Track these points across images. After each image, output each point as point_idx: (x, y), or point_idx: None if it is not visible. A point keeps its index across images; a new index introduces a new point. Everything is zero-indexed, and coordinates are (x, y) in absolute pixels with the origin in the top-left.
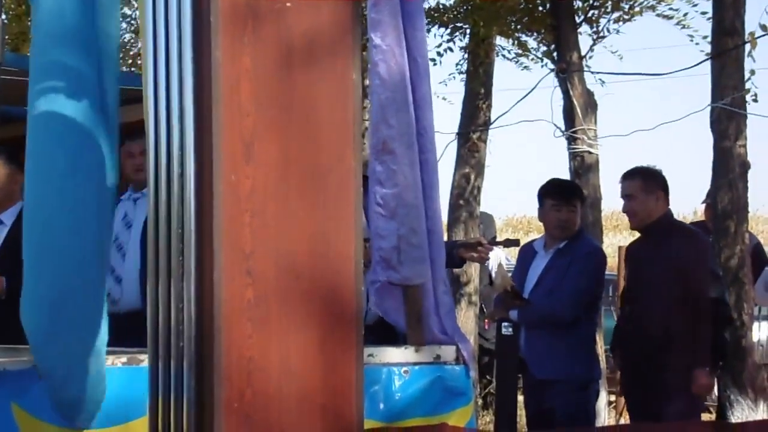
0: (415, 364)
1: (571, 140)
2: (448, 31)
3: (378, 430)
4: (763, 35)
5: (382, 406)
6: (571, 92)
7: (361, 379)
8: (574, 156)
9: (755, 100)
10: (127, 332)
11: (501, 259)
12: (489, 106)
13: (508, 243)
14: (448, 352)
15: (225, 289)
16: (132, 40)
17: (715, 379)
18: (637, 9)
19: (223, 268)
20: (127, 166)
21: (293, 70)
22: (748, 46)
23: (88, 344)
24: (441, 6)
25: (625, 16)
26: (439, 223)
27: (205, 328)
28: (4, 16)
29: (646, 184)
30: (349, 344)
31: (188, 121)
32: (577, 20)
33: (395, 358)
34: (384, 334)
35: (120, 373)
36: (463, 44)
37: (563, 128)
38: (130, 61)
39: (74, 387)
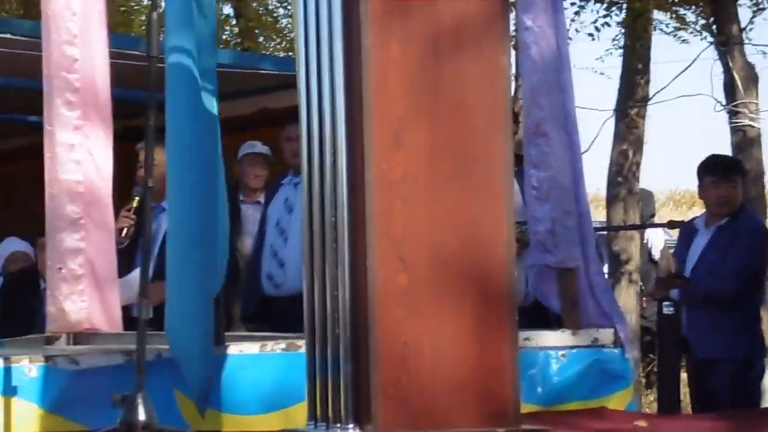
0: (573, 347)
1: (732, 114)
2: (605, 6)
3: (536, 414)
4: None
5: (539, 390)
6: (731, 65)
7: (516, 363)
8: (735, 130)
9: None
10: (291, 315)
11: (662, 236)
12: (647, 82)
13: (673, 224)
14: (605, 335)
15: (378, 276)
16: (289, 25)
17: None
18: None
19: (376, 255)
20: (286, 151)
21: (442, 56)
22: None
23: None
24: None
25: None
26: (587, 204)
27: (359, 315)
28: (163, 6)
29: None
30: (502, 328)
31: (339, 110)
32: None
33: (552, 341)
34: (538, 315)
35: (279, 359)
36: (619, 19)
37: (724, 102)
38: (288, 45)
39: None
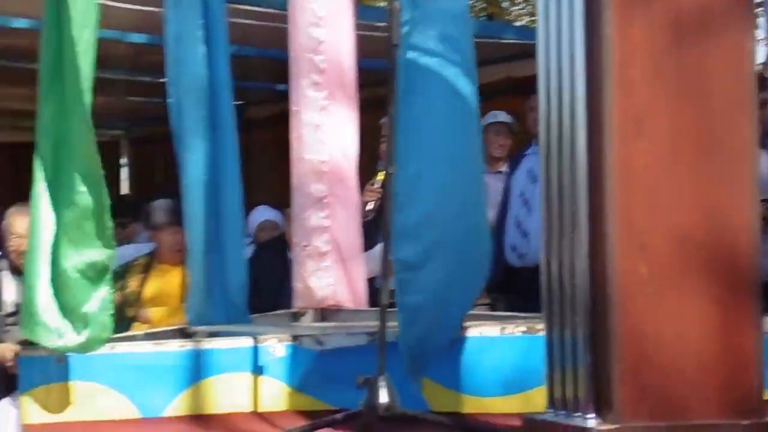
0: None
1: None
2: None
3: None
4: None
5: None
6: None
7: (761, 350)
8: None
9: None
10: (535, 285)
11: None
12: None
13: None
14: None
15: (619, 265)
16: None
17: None
18: None
19: (617, 244)
20: (530, 120)
21: (684, 41)
22: None
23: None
24: None
25: None
26: None
27: (598, 303)
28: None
29: None
30: (746, 315)
31: (579, 99)
32: None
33: None
34: None
35: (519, 342)
36: None
37: None
38: (531, 9)
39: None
